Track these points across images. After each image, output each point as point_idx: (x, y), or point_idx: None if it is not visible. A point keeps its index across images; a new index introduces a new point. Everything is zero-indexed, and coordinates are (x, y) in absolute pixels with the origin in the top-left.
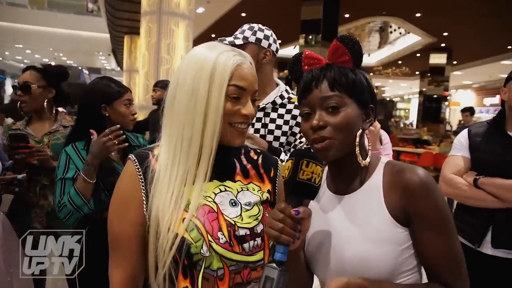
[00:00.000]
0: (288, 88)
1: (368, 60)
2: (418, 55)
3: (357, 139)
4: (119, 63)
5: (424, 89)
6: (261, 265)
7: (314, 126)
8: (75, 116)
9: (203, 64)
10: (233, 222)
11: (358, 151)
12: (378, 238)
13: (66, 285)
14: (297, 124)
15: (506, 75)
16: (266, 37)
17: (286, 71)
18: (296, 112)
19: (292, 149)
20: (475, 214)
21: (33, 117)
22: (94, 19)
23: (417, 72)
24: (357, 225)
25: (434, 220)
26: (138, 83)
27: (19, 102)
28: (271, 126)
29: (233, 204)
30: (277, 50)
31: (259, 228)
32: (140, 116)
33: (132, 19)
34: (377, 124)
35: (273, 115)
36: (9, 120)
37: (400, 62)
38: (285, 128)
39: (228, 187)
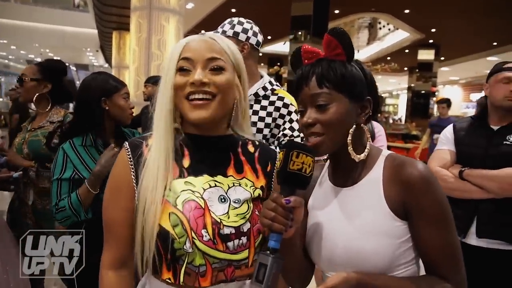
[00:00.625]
0: (272, 80)
1: (358, 56)
2: (407, 51)
3: (349, 136)
4: (108, 59)
5: (412, 85)
6: (246, 263)
7: (304, 124)
8: (68, 111)
9: (170, 51)
10: (218, 220)
11: (351, 149)
12: (377, 231)
13: (62, 284)
14: (281, 116)
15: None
16: (245, 31)
17: (276, 67)
18: (279, 103)
19: (276, 141)
20: (460, 206)
21: (37, 114)
22: (81, 14)
23: (405, 68)
24: (355, 218)
25: (434, 215)
26: (127, 80)
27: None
28: (254, 118)
29: (222, 200)
30: (257, 43)
31: (246, 227)
32: None
33: (120, 14)
34: None
35: (256, 107)
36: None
37: (389, 58)
38: (268, 120)
39: (219, 182)
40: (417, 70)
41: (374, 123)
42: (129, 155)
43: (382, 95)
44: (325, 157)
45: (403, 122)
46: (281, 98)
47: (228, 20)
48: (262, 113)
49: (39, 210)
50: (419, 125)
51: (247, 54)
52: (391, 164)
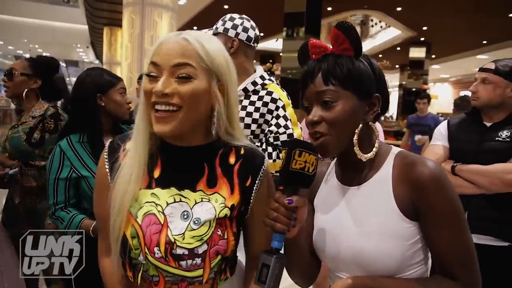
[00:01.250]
0: (265, 74)
1: None
2: (398, 49)
3: (355, 136)
4: (98, 55)
5: (404, 82)
6: (199, 281)
7: (309, 122)
8: (50, 105)
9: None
10: (173, 240)
11: (357, 148)
12: (385, 233)
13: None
14: (269, 111)
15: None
16: (234, 26)
17: (268, 64)
18: (267, 98)
19: (263, 138)
20: None
21: (25, 110)
22: (71, 9)
23: (397, 66)
24: (363, 218)
25: (446, 214)
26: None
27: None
28: (242, 114)
29: (185, 217)
30: (248, 38)
31: (201, 249)
32: None
33: (112, 10)
34: None
35: (245, 102)
36: None
37: (380, 55)
38: (256, 115)
39: (185, 197)
40: (408, 68)
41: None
42: (106, 158)
43: None
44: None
45: (394, 119)
46: (269, 93)
47: (224, 16)
48: (250, 108)
49: (29, 209)
50: None
51: (236, 50)
52: (401, 162)
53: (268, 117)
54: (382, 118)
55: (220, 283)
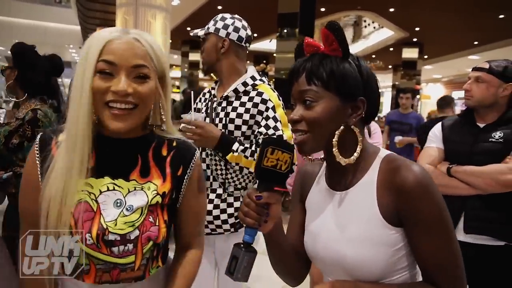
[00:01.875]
0: (256, 74)
1: None
2: (391, 49)
3: (335, 137)
4: None
5: (397, 83)
6: (131, 267)
7: (290, 120)
8: (36, 108)
9: (85, 45)
10: (105, 226)
11: (336, 150)
12: (369, 240)
13: None
14: (259, 112)
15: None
16: (225, 26)
17: (262, 65)
18: (257, 99)
19: (254, 140)
20: (447, 202)
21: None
22: (63, 10)
23: (390, 66)
24: (347, 225)
25: (431, 220)
26: None
27: None
28: (232, 115)
29: (118, 205)
30: (239, 38)
31: (133, 235)
32: None
33: (104, 10)
34: None
35: (236, 103)
36: None
37: (373, 56)
38: (246, 116)
39: (118, 186)
40: (401, 68)
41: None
42: (37, 151)
43: None
44: (323, 156)
45: None
46: (260, 94)
47: (215, 16)
48: (241, 110)
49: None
50: None
51: (227, 50)
52: (386, 167)
53: (258, 118)
54: (376, 118)
55: (152, 270)
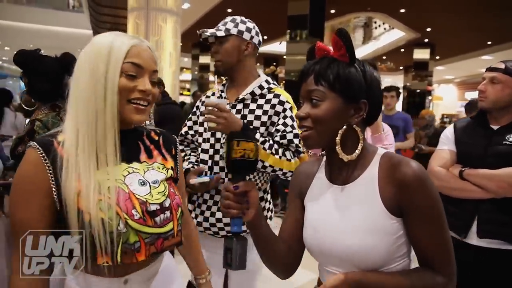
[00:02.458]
0: (269, 78)
1: None
2: (402, 50)
3: (338, 136)
4: None
5: (408, 84)
6: (172, 234)
7: (297, 116)
8: (37, 118)
9: (101, 46)
10: (144, 200)
11: (339, 148)
12: (372, 228)
13: None
14: (276, 113)
15: (485, 70)
16: (248, 30)
17: (272, 67)
18: (275, 101)
19: (270, 139)
20: (460, 206)
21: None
22: (76, 15)
23: (401, 67)
24: (349, 215)
25: (428, 212)
26: None
27: None
28: (250, 117)
29: (142, 183)
30: (259, 42)
31: (167, 203)
32: None
33: (116, 15)
34: None
35: (252, 106)
36: None
37: (384, 57)
38: (264, 118)
39: (136, 168)
40: (412, 69)
41: (383, 124)
42: (42, 154)
43: None
44: (322, 152)
45: None
46: (277, 96)
47: (229, 18)
48: (258, 112)
49: None
50: (415, 124)
51: (249, 53)
52: (387, 163)
53: (275, 118)
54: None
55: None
